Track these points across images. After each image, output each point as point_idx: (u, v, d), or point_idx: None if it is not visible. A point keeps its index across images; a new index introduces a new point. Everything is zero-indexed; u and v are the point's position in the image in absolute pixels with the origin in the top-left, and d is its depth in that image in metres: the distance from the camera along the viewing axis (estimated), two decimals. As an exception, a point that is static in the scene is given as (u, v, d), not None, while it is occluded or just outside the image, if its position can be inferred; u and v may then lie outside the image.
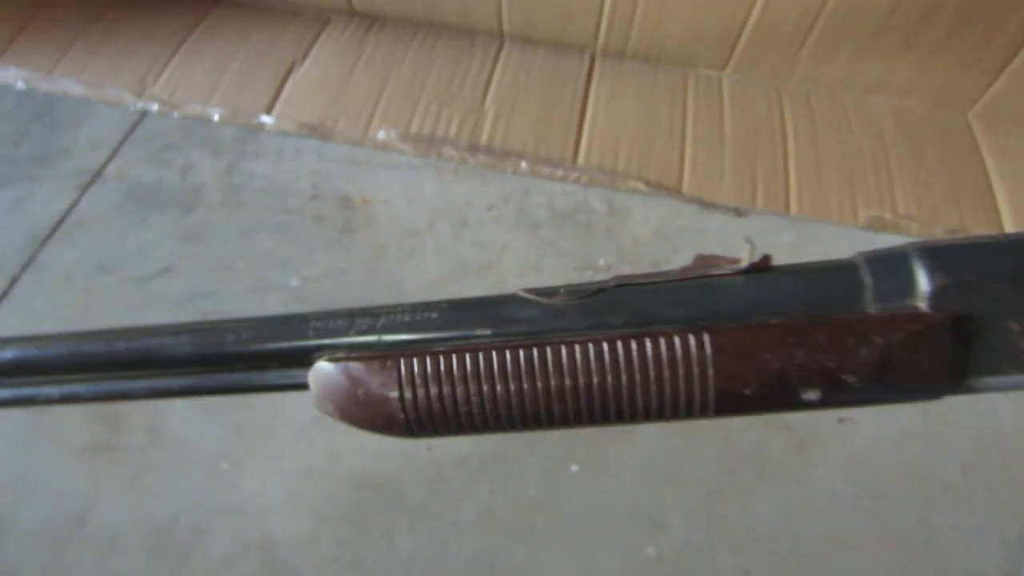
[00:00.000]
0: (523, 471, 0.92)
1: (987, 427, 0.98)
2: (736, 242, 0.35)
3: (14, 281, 1.06)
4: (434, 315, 0.36)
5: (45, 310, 1.03)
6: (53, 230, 1.13)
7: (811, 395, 0.32)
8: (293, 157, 1.24)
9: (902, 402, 0.34)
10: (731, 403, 0.33)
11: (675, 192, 1.18)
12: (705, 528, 0.89)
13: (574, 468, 0.92)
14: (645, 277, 0.35)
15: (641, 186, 1.18)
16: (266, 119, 1.28)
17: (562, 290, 0.35)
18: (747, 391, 0.32)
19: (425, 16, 1.40)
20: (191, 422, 0.94)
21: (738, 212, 1.17)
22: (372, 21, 1.45)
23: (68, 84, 1.33)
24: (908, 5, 1.16)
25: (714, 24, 1.27)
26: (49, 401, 0.40)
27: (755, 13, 1.22)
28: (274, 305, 1.05)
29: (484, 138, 1.25)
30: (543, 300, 0.35)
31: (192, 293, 1.05)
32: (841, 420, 0.98)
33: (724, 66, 1.35)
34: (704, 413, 0.33)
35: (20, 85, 1.33)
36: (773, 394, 0.32)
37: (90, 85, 1.32)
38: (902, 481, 0.94)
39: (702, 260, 0.35)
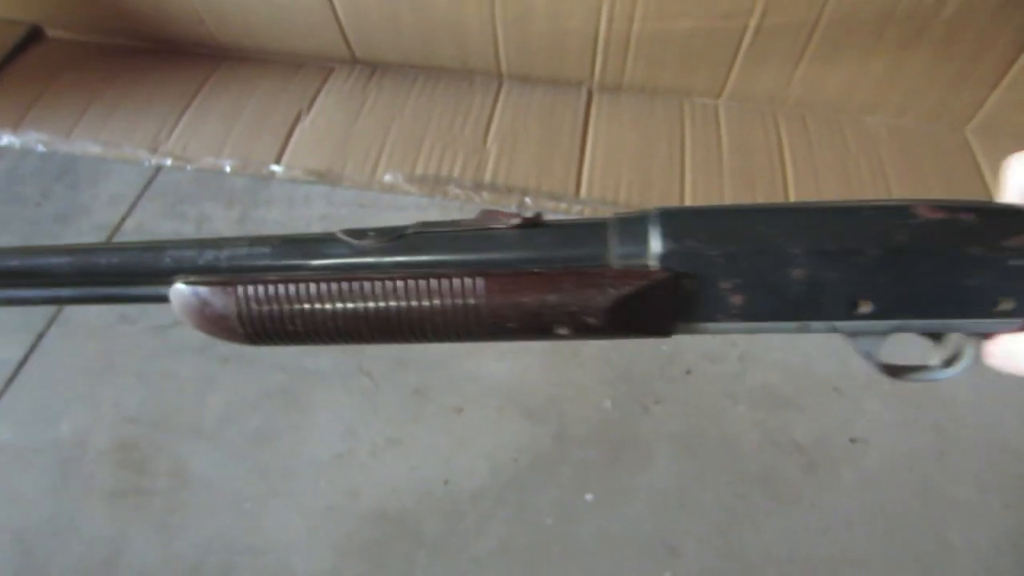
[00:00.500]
0: (539, 502, 0.93)
1: (998, 444, 0.99)
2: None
3: (41, 336, 1.10)
4: (267, 249, 0.44)
5: (72, 361, 1.06)
6: (75, 285, 1.17)
7: (563, 331, 0.40)
8: (303, 203, 1.28)
9: (637, 337, 0.41)
10: (499, 333, 0.40)
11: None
12: (720, 553, 0.90)
13: (589, 497, 0.94)
14: (440, 225, 0.42)
15: (643, 215, 1.21)
16: (276, 168, 1.32)
17: (371, 233, 0.43)
18: (510, 325, 0.40)
19: (424, 61, 1.44)
20: (215, 464, 0.96)
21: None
22: (374, 68, 1.49)
23: (86, 145, 1.38)
24: (896, 28, 1.19)
25: (707, 54, 1.30)
26: None
27: (746, 41, 1.25)
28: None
29: (488, 176, 1.29)
30: (354, 241, 0.43)
31: (211, 340, 1.08)
32: (852, 441, 0.99)
33: (719, 94, 1.38)
34: (480, 338, 0.41)
35: (41, 148, 1.38)
36: (532, 328, 0.40)
37: (107, 145, 1.37)
38: (916, 500, 0.95)
39: (487, 214, 0.42)
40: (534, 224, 0.41)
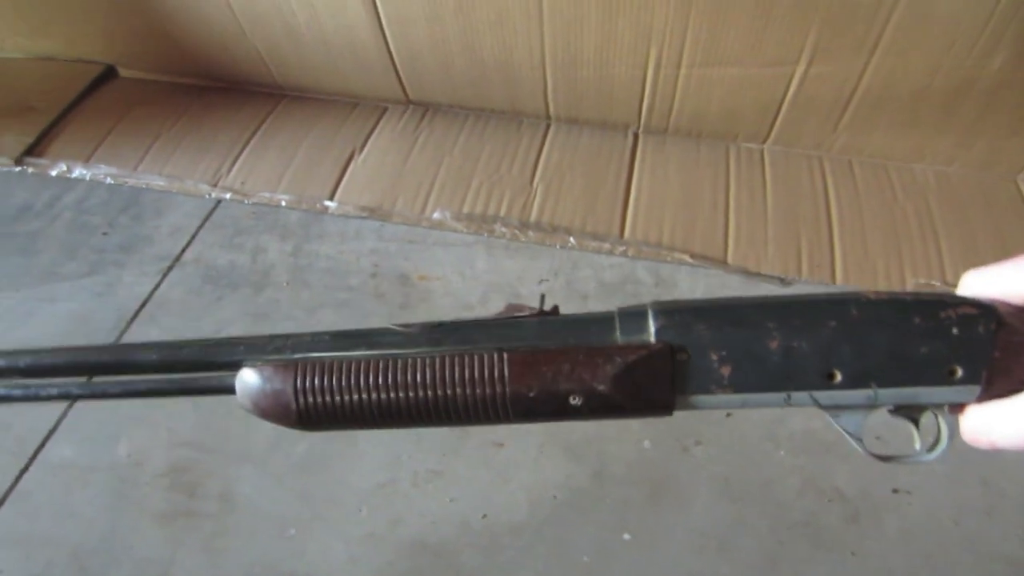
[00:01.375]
0: (576, 539, 0.94)
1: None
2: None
3: (101, 360, 1.15)
4: (327, 338, 0.49)
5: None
6: (137, 311, 1.23)
7: (577, 400, 0.45)
8: (354, 238, 1.32)
9: (644, 413, 0.46)
10: (522, 405, 0.45)
11: (720, 263, 1.22)
12: (759, 596, 0.90)
13: (627, 536, 0.94)
14: (471, 319, 0.48)
15: (686, 258, 1.22)
16: (329, 203, 1.37)
17: (417, 325, 0.48)
18: (531, 393, 0.45)
19: (475, 103, 1.49)
20: (261, 489, 0.99)
21: (783, 281, 1.20)
22: (426, 109, 1.54)
23: (151, 178, 1.45)
24: (944, 77, 1.19)
25: (753, 100, 1.32)
26: (50, 397, 0.52)
27: (792, 88, 1.27)
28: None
29: (533, 215, 1.32)
30: (401, 329, 0.48)
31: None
32: (896, 491, 0.98)
33: (765, 139, 1.40)
34: (506, 416, 0.46)
35: (109, 180, 1.45)
36: (549, 397, 0.45)
37: (170, 178, 1.44)
38: (962, 555, 0.93)
39: (511, 307, 0.48)
40: (551, 314, 0.48)
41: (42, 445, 1.06)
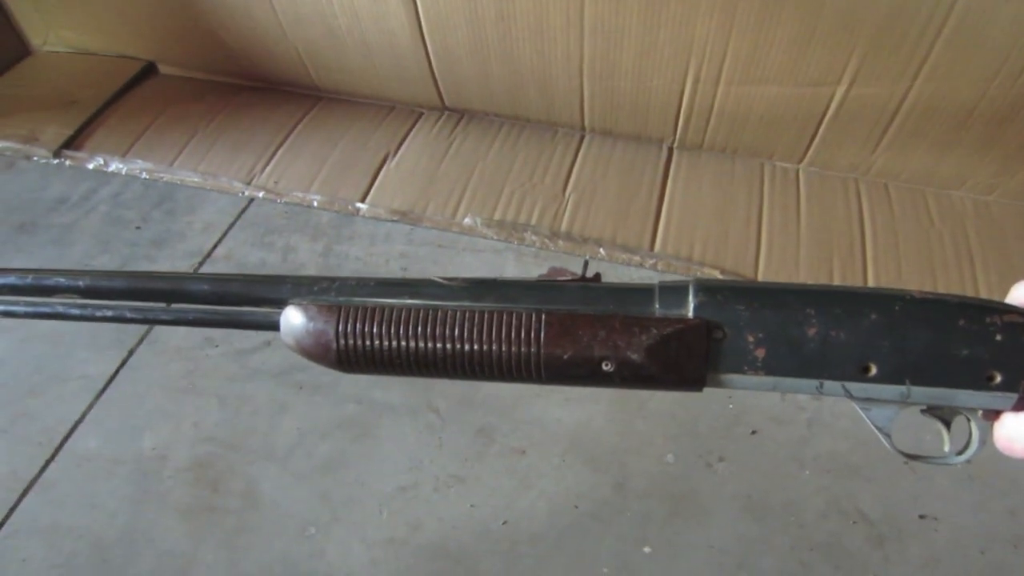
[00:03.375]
0: (596, 550, 0.93)
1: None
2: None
3: (131, 353, 1.16)
4: (372, 284, 0.50)
5: (158, 379, 1.12)
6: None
7: (609, 366, 0.45)
8: (384, 240, 1.33)
9: (675, 386, 0.46)
10: (555, 366, 0.46)
11: (750, 281, 1.20)
12: (780, 619, 0.88)
13: (647, 550, 0.93)
14: (514, 279, 0.50)
15: (717, 273, 1.21)
16: (361, 205, 1.38)
17: (460, 279, 0.50)
18: (565, 355, 0.46)
19: (510, 111, 1.49)
20: (283, 487, 0.99)
21: (814, 301, 1.19)
22: (461, 115, 1.55)
23: (186, 174, 1.46)
24: (987, 105, 1.18)
25: (791, 119, 1.31)
26: (104, 318, 0.55)
27: (832, 109, 1.26)
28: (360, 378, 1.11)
29: (564, 225, 1.32)
30: (445, 282, 0.49)
31: (288, 367, 1.12)
32: (922, 517, 0.97)
33: (801, 159, 1.39)
34: (538, 376, 0.47)
35: (144, 175, 1.47)
36: (582, 360, 0.46)
37: (205, 175, 1.46)
38: (989, 584, 0.91)
39: (554, 271, 0.49)
40: (592, 281, 0.49)
41: (68, 436, 1.07)
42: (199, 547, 0.94)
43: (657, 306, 0.46)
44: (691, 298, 0.45)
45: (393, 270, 1.27)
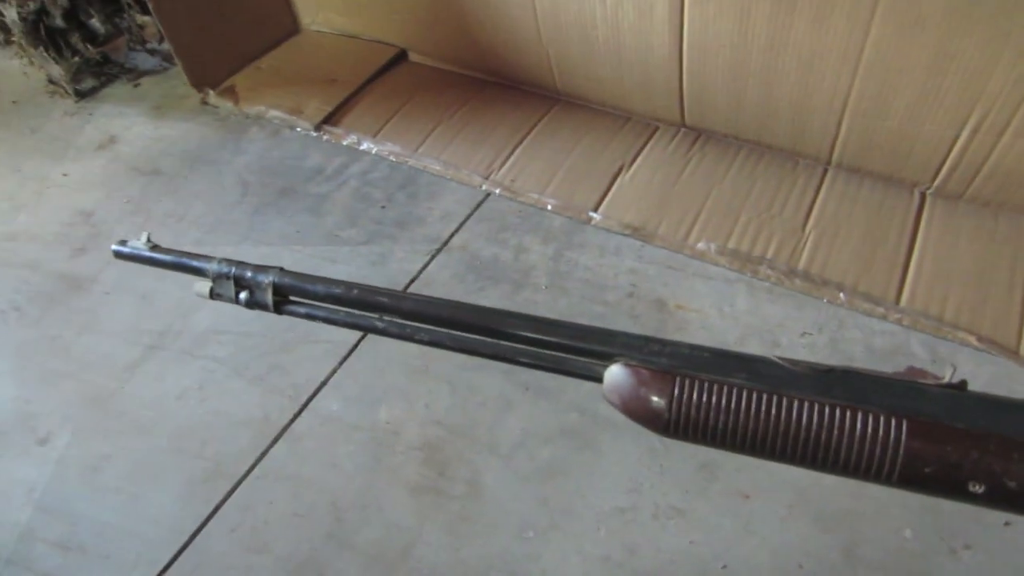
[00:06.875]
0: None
1: None
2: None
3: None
4: (706, 355, 0.49)
5: (397, 355, 1.18)
6: (407, 286, 1.31)
7: (977, 488, 0.42)
8: (614, 253, 1.34)
9: None
10: (912, 475, 0.43)
11: (1011, 353, 1.11)
12: None
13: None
14: (866, 371, 0.47)
15: (972, 339, 1.13)
16: (594, 215, 1.39)
17: (803, 364, 0.47)
18: (927, 470, 0.43)
19: (754, 135, 1.45)
20: (505, 484, 1.03)
21: (1083, 386, 1.08)
22: (698, 134, 1.52)
23: (429, 162, 1.54)
24: None
25: (1073, 179, 1.19)
26: (421, 341, 0.58)
27: None
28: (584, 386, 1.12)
29: (802, 263, 1.27)
30: (787, 365, 0.47)
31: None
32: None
33: (1078, 224, 1.26)
34: (889, 480, 0.44)
35: (391, 158, 1.56)
36: (946, 478, 0.43)
37: (447, 165, 1.52)
38: None
39: (913, 370, 0.46)
40: (958, 388, 0.46)
41: (314, 395, 1.16)
42: (424, 525, 0.99)
43: None
44: None
45: (622, 285, 1.28)
